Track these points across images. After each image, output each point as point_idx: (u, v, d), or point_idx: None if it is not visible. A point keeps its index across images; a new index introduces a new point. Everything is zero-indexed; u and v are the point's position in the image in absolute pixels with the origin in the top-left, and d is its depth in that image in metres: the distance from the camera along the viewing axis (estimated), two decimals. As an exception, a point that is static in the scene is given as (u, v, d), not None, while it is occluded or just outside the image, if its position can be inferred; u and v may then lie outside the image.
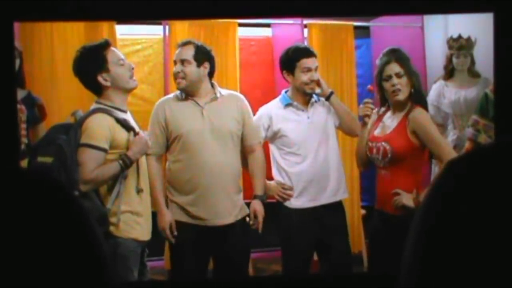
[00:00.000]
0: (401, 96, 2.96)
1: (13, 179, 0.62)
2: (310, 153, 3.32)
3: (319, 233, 3.33)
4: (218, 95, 3.18)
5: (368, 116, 3.13)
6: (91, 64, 2.81)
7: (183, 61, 3.12)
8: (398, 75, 2.96)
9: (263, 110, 3.42)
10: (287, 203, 3.35)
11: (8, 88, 1.25)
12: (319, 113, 3.39)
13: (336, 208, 3.40)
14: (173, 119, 3.11)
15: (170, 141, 3.13)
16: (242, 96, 3.33)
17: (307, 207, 3.33)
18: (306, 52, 3.35)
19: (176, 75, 3.15)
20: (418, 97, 2.97)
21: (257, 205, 3.24)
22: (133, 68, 2.92)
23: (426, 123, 2.92)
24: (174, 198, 3.15)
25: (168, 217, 3.10)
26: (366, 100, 3.21)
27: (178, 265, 3.16)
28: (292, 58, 3.32)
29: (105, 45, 2.85)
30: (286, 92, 3.43)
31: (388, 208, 2.97)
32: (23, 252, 0.57)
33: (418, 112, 2.93)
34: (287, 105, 3.36)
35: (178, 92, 3.18)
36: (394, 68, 2.97)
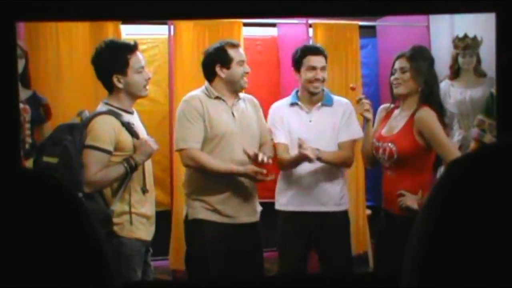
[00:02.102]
0: (400, 90, 2.98)
1: (15, 179, 0.62)
2: None
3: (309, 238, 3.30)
4: (240, 95, 3.21)
5: (368, 110, 3.13)
6: (111, 63, 2.79)
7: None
8: (402, 70, 2.98)
9: (273, 110, 3.39)
10: (276, 205, 3.35)
11: (10, 88, 1.25)
12: (324, 117, 3.30)
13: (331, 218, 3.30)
14: (212, 117, 3.05)
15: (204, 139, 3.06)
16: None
17: (293, 210, 3.29)
18: (313, 50, 3.33)
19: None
20: (425, 97, 2.94)
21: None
22: (149, 78, 2.91)
23: (431, 123, 2.88)
24: (199, 196, 3.10)
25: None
26: (358, 97, 3.22)
27: (201, 265, 3.09)
28: (299, 56, 3.31)
29: (132, 48, 2.84)
30: (297, 91, 3.39)
31: (394, 209, 2.96)
32: (24, 252, 0.57)
33: (424, 112, 2.91)
34: (292, 104, 3.34)
35: (204, 88, 3.14)
36: (401, 63, 2.99)
